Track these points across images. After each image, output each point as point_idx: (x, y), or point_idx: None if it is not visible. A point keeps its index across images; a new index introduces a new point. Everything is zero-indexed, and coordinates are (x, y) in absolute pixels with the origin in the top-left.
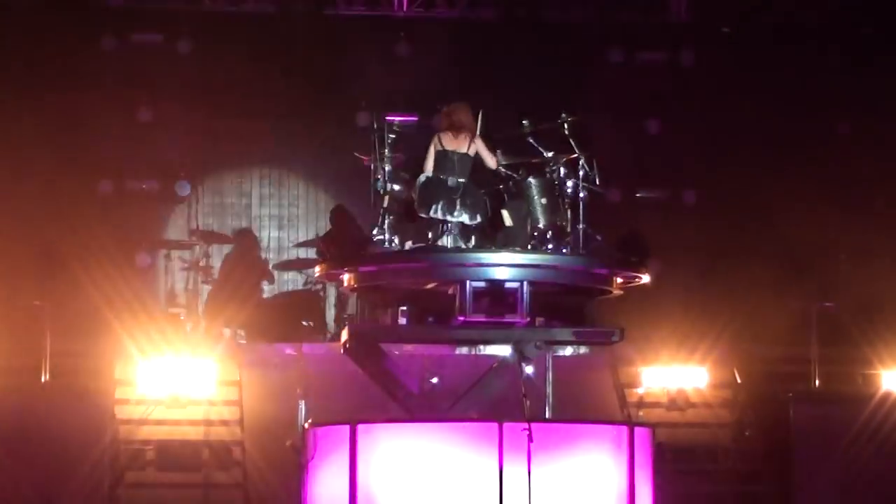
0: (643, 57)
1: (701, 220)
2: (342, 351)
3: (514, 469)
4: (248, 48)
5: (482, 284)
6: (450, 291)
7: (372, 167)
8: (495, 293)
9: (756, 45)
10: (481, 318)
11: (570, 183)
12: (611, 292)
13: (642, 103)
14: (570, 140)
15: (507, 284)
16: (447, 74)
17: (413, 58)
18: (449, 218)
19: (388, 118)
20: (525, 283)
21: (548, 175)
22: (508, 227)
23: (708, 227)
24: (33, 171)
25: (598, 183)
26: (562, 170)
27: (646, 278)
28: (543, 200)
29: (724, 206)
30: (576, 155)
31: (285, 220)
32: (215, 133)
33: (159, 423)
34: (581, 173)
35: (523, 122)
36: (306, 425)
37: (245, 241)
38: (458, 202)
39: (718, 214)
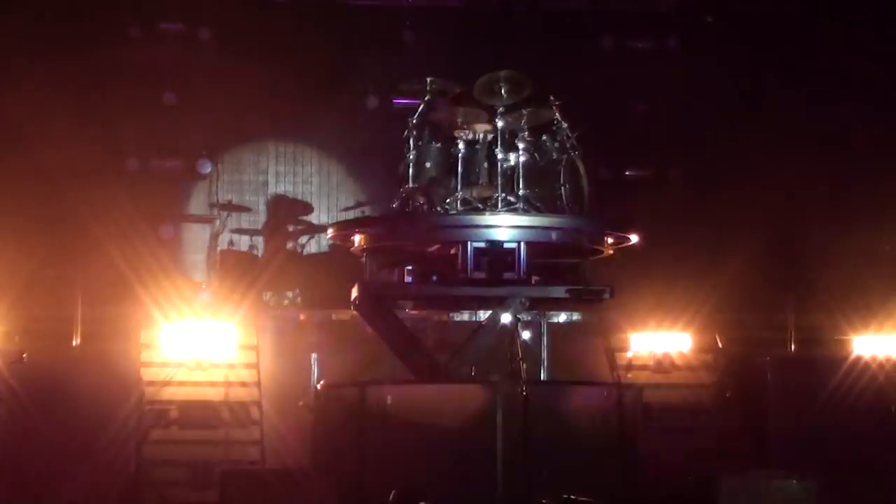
0: (633, 44)
1: (685, 197)
2: (352, 308)
3: (511, 427)
4: (265, 35)
5: (482, 244)
6: (452, 252)
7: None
8: (495, 253)
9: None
10: (481, 277)
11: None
12: (602, 252)
13: (631, 89)
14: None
15: (506, 245)
16: (450, 60)
17: (418, 44)
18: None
19: (395, 101)
20: (522, 243)
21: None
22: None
23: (692, 203)
24: (65, 150)
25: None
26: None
27: (634, 238)
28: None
29: (707, 182)
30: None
31: (300, 195)
32: (234, 115)
33: (182, 384)
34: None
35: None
36: (319, 386)
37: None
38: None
39: (703, 191)
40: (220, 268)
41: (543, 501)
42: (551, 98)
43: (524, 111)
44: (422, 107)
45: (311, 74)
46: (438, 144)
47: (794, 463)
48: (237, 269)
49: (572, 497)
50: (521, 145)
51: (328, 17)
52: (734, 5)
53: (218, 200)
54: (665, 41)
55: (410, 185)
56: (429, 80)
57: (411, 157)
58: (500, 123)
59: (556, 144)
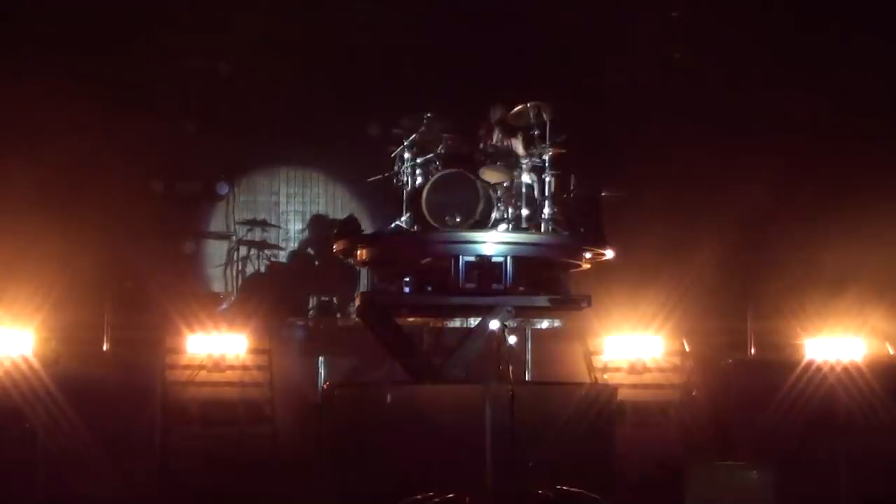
0: (609, 79)
1: (656, 216)
2: (355, 316)
3: (499, 422)
4: (276, 72)
5: (472, 258)
6: (445, 265)
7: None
8: (484, 266)
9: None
10: (472, 288)
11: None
12: (580, 265)
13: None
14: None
15: (494, 258)
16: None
17: (416, 79)
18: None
19: (394, 130)
20: (509, 257)
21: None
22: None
23: (663, 219)
24: (99, 175)
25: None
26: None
27: (610, 253)
28: (531, 191)
29: (676, 203)
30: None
31: (307, 215)
32: (249, 142)
33: (202, 384)
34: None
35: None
36: (325, 386)
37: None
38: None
39: (671, 211)
40: (238, 280)
41: (540, 492)
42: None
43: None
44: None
45: (317, 106)
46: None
47: (753, 454)
48: (253, 281)
49: (565, 488)
50: (523, 168)
51: (334, 54)
52: (709, 43)
53: (235, 219)
54: (638, 75)
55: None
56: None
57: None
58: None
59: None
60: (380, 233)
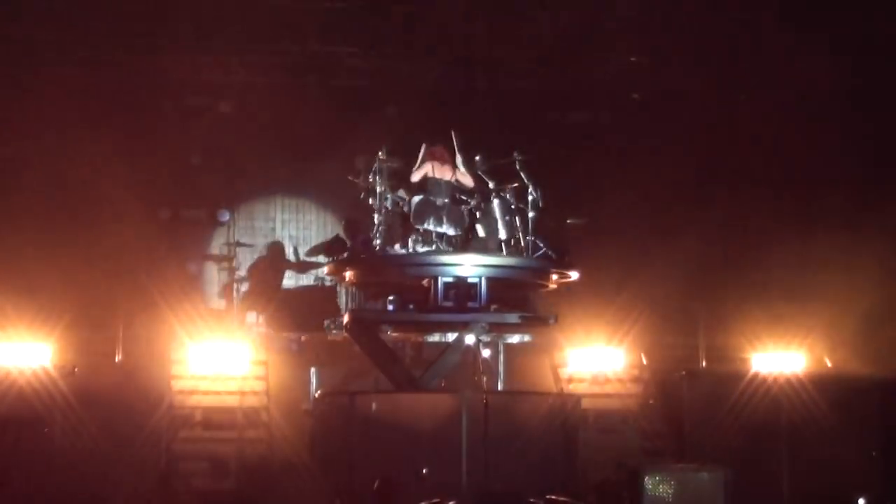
0: (572, 117)
1: (616, 240)
2: (344, 331)
3: (474, 428)
4: (273, 109)
5: (450, 279)
6: (425, 285)
7: (375, 191)
8: (460, 286)
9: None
10: (450, 306)
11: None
12: (548, 286)
13: (571, 153)
14: (521, 173)
15: (469, 279)
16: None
17: (399, 116)
18: (437, 229)
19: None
20: (483, 278)
21: (505, 197)
22: (480, 238)
23: (623, 245)
24: (110, 202)
25: (540, 206)
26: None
27: (575, 275)
28: (507, 217)
29: (634, 229)
30: (524, 184)
31: (301, 239)
32: (248, 173)
33: (205, 393)
34: (529, 198)
35: (476, 157)
36: (317, 395)
37: (273, 249)
38: (444, 217)
39: (630, 235)
40: (237, 298)
41: (531, 501)
42: (516, 156)
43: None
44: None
45: (311, 140)
46: (423, 197)
47: (705, 458)
48: (251, 299)
49: (554, 497)
50: (493, 198)
51: (325, 94)
52: (656, 86)
53: (235, 242)
54: (598, 114)
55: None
56: (424, 145)
57: (403, 205)
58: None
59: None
60: (366, 256)
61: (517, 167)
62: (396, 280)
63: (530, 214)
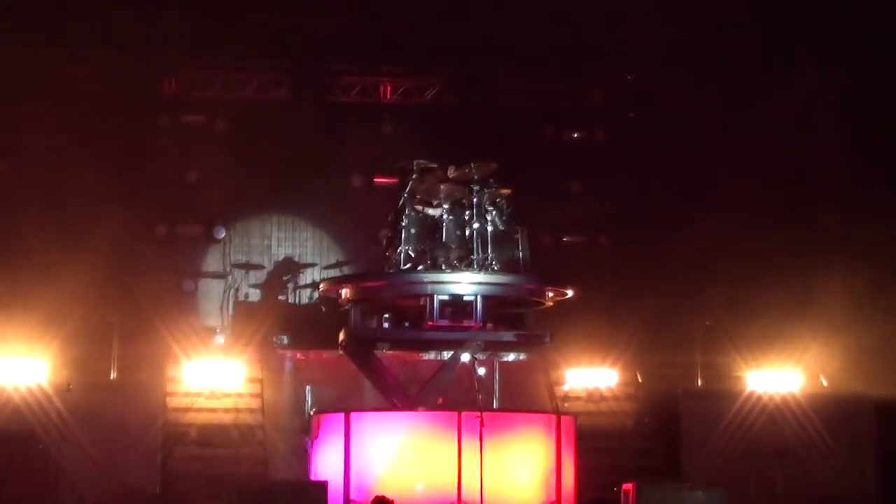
0: (568, 135)
1: (613, 259)
2: (340, 349)
3: (470, 446)
4: (268, 127)
5: (446, 297)
6: (421, 303)
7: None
8: (456, 304)
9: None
10: (445, 323)
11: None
12: (543, 304)
13: (567, 170)
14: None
15: (465, 297)
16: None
17: (394, 134)
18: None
19: (375, 180)
20: (479, 296)
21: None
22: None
23: (618, 263)
24: (106, 220)
25: (499, 223)
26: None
27: (570, 293)
28: (457, 233)
29: (630, 247)
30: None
31: (296, 257)
32: (244, 190)
33: (200, 410)
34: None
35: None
36: (312, 412)
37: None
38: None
39: (626, 254)
40: (233, 315)
41: None
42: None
43: (488, 189)
44: (411, 183)
45: (306, 158)
46: (421, 214)
47: (701, 476)
48: (247, 316)
49: None
50: (487, 217)
51: (321, 112)
52: (651, 105)
53: (231, 260)
54: (594, 132)
55: (404, 247)
56: (415, 162)
57: (402, 224)
58: (474, 199)
59: (505, 217)
60: (360, 275)
61: (474, 177)
62: (393, 298)
63: (489, 229)
